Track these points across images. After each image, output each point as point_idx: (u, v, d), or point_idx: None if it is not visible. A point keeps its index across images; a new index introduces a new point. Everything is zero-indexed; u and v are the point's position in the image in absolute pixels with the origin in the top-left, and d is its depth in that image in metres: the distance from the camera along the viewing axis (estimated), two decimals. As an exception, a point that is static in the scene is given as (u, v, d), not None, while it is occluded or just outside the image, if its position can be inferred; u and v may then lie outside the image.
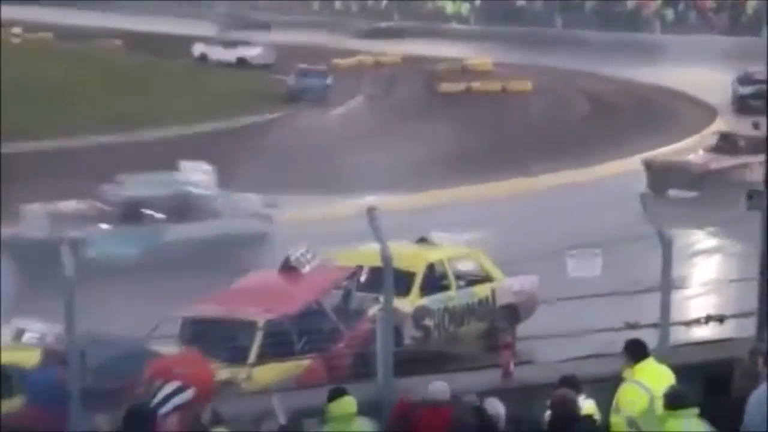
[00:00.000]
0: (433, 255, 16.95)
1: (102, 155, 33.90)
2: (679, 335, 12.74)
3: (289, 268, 14.91)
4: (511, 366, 11.38)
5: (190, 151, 34.09)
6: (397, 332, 14.29)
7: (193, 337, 13.51)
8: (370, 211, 11.08)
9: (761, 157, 24.26)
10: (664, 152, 29.93)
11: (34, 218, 20.34)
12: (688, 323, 13.19)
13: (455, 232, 19.94)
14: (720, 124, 40.46)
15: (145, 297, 15.98)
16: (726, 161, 26.96)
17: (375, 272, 14.48)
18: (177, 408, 10.23)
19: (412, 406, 9.79)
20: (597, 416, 9.54)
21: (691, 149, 30.14)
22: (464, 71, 54.12)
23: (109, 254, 19.23)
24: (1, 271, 18.41)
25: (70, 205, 21.25)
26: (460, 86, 50.14)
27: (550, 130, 37.19)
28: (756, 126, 27.69)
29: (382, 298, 11.70)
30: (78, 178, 29.75)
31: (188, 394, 10.37)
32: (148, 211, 20.69)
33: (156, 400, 10.20)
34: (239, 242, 20.54)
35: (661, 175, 26.97)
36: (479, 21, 68.95)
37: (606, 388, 9.75)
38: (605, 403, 9.63)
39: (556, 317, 14.79)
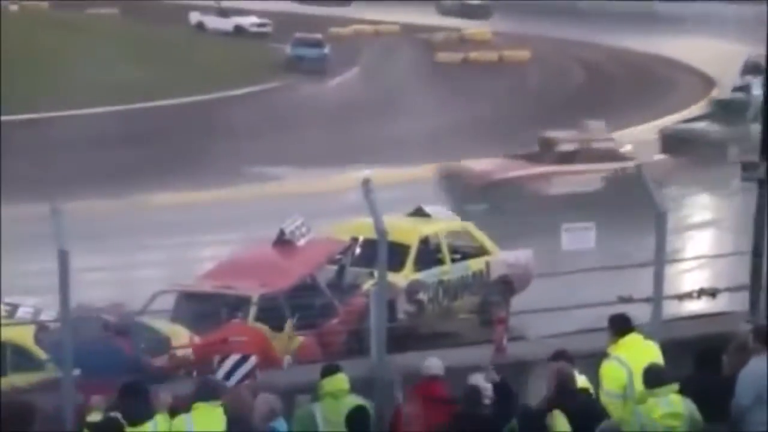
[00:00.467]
0: (427, 228, 16.93)
1: (99, 125, 33.91)
2: (672, 309, 12.75)
3: (283, 242, 14.89)
4: (504, 341, 11.39)
5: (184, 121, 34.21)
6: (391, 307, 14.33)
7: (187, 312, 13.52)
8: (365, 184, 11.05)
9: (587, 166, 23.37)
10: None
11: None
12: (681, 297, 13.19)
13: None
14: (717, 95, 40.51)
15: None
16: (518, 170, 23.87)
17: (369, 246, 14.44)
18: (244, 377, 10.25)
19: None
20: (591, 391, 9.56)
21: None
22: (462, 41, 53.99)
23: None
24: None
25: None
26: (458, 56, 50.00)
27: (547, 100, 37.09)
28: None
29: (376, 273, 11.68)
30: (74, 148, 29.88)
31: (251, 362, 10.36)
32: None
33: (221, 374, 10.15)
34: None
35: (452, 186, 23.37)
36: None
37: (599, 363, 9.76)
38: (597, 379, 9.66)
39: (550, 292, 14.80)
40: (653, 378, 8.92)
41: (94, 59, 42.83)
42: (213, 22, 57.25)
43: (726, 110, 29.43)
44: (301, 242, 14.83)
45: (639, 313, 10.29)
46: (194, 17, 57.89)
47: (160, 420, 8.97)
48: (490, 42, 53.73)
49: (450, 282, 16.51)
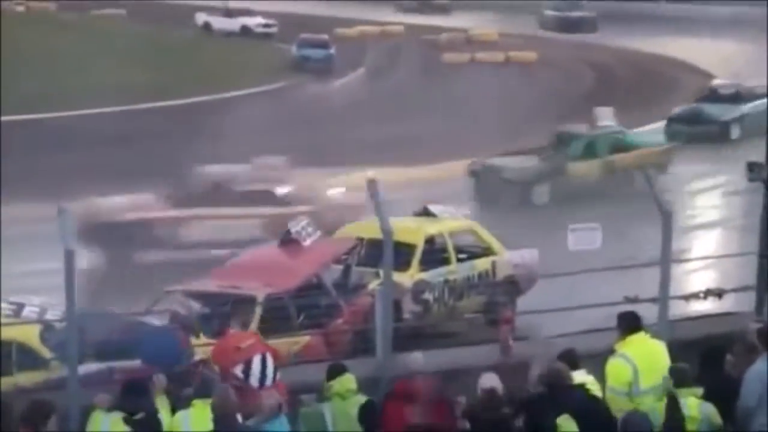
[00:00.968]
0: (433, 228, 16.94)
1: (105, 126, 33.95)
2: (678, 309, 12.73)
3: (289, 242, 14.89)
4: (510, 341, 11.38)
5: (190, 121, 34.22)
6: (397, 307, 14.33)
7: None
8: (371, 184, 11.06)
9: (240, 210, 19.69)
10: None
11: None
12: (687, 297, 13.17)
13: (457, 205, 19.87)
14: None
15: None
16: (150, 211, 20.49)
17: (375, 246, 14.47)
18: (275, 376, 10.24)
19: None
20: (599, 392, 9.53)
21: None
22: (468, 42, 53.95)
23: None
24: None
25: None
26: (465, 57, 49.97)
27: (553, 102, 37.06)
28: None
29: (381, 273, 11.68)
30: (80, 148, 29.93)
31: (270, 360, 10.32)
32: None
33: (255, 379, 10.12)
34: None
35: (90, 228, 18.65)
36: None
37: (605, 363, 9.74)
38: (602, 378, 9.65)
39: (556, 292, 14.78)
40: (675, 378, 8.95)
41: (100, 60, 42.97)
42: (219, 22, 57.31)
43: (558, 145, 26.24)
44: (307, 242, 14.84)
45: (645, 313, 10.26)
46: (200, 18, 57.96)
47: (164, 414, 9.04)
48: (496, 43, 53.69)
49: (456, 282, 16.51)
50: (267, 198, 20.95)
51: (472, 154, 26.56)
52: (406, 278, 15.76)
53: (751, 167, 12.89)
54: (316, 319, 13.93)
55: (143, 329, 12.00)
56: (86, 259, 18.55)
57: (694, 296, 13.14)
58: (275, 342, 12.66)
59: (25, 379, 11.36)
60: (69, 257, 9.62)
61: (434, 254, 16.64)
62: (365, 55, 49.39)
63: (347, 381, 9.61)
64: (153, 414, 9.06)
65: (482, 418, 9.17)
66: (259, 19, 56.96)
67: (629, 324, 9.70)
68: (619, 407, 9.26)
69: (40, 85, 37.62)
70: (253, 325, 13.22)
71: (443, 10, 62.82)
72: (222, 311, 12.79)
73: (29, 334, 12.10)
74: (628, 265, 14.72)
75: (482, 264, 16.93)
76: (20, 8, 58.90)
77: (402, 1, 63.82)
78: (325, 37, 49.02)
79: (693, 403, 8.82)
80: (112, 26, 55.07)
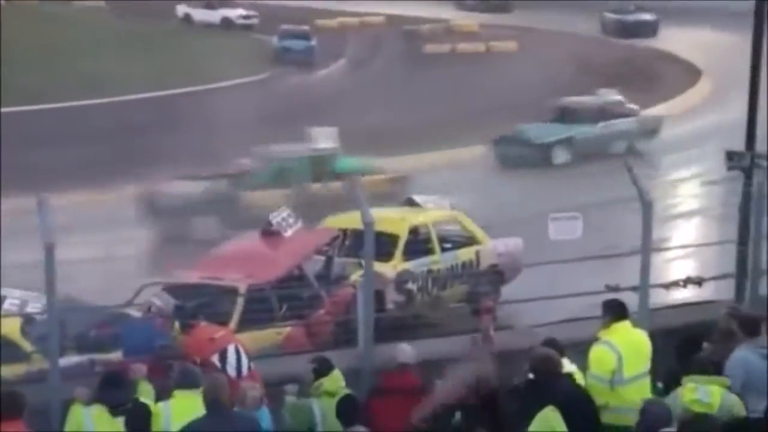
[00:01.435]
0: (416, 218, 16.95)
1: (85, 117, 33.87)
2: (659, 298, 12.78)
3: (270, 233, 14.87)
4: (491, 331, 11.39)
5: (171, 113, 34.14)
6: (380, 297, 14.33)
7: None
8: (350, 178, 11.06)
9: None
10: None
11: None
12: (667, 286, 13.21)
13: (439, 195, 19.88)
14: (704, 86, 40.63)
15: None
16: None
17: (358, 236, 14.44)
18: (249, 365, 10.30)
19: None
20: (582, 381, 9.55)
21: None
22: (449, 32, 53.94)
23: None
24: None
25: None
26: (445, 48, 49.96)
27: (534, 90, 37.08)
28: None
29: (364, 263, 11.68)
30: (61, 141, 29.84)
31: (243, 350, 10.39)
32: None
33: (232, 368, 10.16)
34: None
35: None
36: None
37: (587, 351, 9.76)
38: (585, 368, 9.67)
39: (537, 281, 14.81)
40: (698, 365, 8.86)
41: (82, 52, 42.81)
42: (200, 14, 57.15)
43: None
44: (289, 233, 14.81)
45: (626, 301, 10.28)
46: (181, 9, 57.79)
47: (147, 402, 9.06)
48: (477, 33, 53.69)
49: (439, 272, 16.52)
50: None
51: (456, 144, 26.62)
52: (390, 268, 15.76)
53: (731, 156, 12.91)
54: (298, 310, 13.92)
55: (123, 321, 12.00)
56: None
57: (674, 284, 13.19)
58: (258, 333, 12.77)
59: (6, 371, 11.33)
60: (49, 250, 9.61)
61: (418, 244, 16.64)
62: (346, 46, 49.35)
63: (337, 379, 9.66)
64: (138, 401, 9.07)
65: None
66: (240, 11, 56.85)
67: (615, 311, 9.68)
68: (598, 396, 9.27)
69: (24, 77, 37.45)
70: (236, 316, 13.25)
71: (505, 8, 60.01)
72: (195, 304, 12.79)
73: (10, 327, 12.07)
74: (609, 254, 14.74)
75: (466, 254, 16.94)
76: (2, 2, 58.60)
77: (464, 1, 61.40)
78: (306, 28, 48.97)
79: (715, 391, 8.67)
80: (95, 18, 54.85)
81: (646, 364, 9.63)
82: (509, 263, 17.01)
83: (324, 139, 24.18)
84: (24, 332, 12.19)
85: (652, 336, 9.91)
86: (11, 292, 12.82)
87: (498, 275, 16.93)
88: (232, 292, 13.53)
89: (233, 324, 13.06)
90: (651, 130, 30.60)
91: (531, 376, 9.05)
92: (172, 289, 13.56)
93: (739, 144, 13.22)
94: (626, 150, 28.02)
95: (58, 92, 36.79)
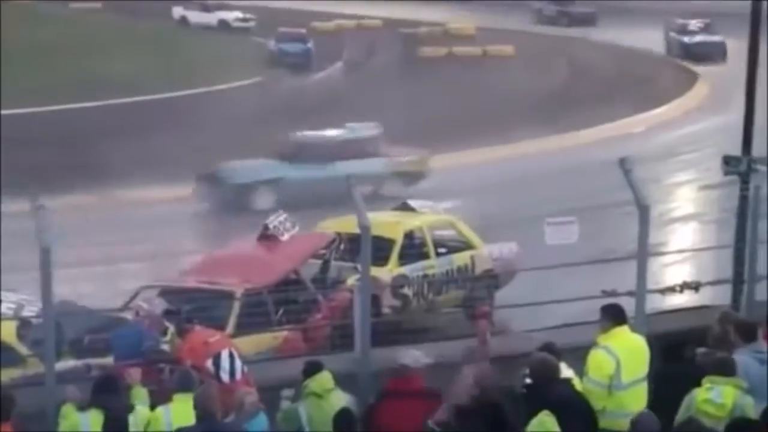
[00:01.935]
0: (411, 222, 16.96)
1: (82, 120, 33.83)
2: (655, 303, 12.78)
3: (267, 237, 14.87)
4: (488, 335, 11.38)
5: (167, 116, 34.15)
6: (376, 301, 14.32)
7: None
8: (349, 178, 11.06)
9: None
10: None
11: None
12: (664, 291, 13.21)
13: (435, 199, 19.90)
14: (700, 89, 40.66)
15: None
16: None
17: (354, 240, 14.46)
18: (243, 369, 10.31)
19: None
20: (580, 386, 9.54)
21: None
22: (446, 35, 53.94)
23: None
24: None
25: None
26: (442, 51, 49.96)
27: (530, 95, 37.11)
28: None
29: (360, 267, 11.69)
30: (58, 143, 29.82)
31: (236, 355, 10.40)
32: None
33: (225, 373, 10.18)
34: None
35: None
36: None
37: (583, 356, 9.76)
38: (582, 372, 9.66)
39: (533, 286, 14.81)
40: (716, 366, 8.89)
41: (78, 53, 42.79)
42: (196, 16, 57.17)
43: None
44: (285, 237, 14.81)
45: (624, 306, 10.27)
46: (177, 12, 57.79)
47: (139, 410, 9.02)
48: (473, 37, 53.69)
49: (435, 276, 16.51)
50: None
51: (452, 148, 26.56)
52: (385, 273, 15.76)
53: (727, 160, 12.89)
54: (295, 314, 13.92)
55: (118, 325, 11.99)
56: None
57: (671, 289, 13.18)
58: (254, 338, 12.77)
59: (1, 375, 11.32)
60: (45, 254, 9.60)
61: (413, 249, 16.65)
62: (343, 48, 49.35)
63: (324, 380, 9.59)
64: (121, 411, 9.02)
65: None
66: (237, 13, 56.86)
67: (614, 316, 9.67)
68: (596, 401, 9.27)
69: (20, 78, 37.41)
70: (232, 320, 13.24)
71: (591, 21, 56.52)
72: (191, 308, 12.78)
73: (6, 331, 12.05)
74: (606, 258, 14.75)
75: (461, 258, 16.95)
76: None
77: (543, 14, 58.82)
78: (303, 31, 48.94)
79: (729, 392, 8.70)
80: (91, 20, 54.85)
81: (644, 370, 9.64)
82: (504, 268, 17.01)
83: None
84: (20, 336, 12.18)
85: (648, 341, 9.90)
86: (6, 295, 12.81)
87: (493, 280, 16.92)
88: (229, 296, 13.53)
89: (230, 328, 13.06)
90: (409, 173, 25.49)
91: (528, 380, 9.05)
92: (169, 294, 13.56)
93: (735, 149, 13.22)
94: (370, 195, 21.98)
95: (54, 94, 36.72)
